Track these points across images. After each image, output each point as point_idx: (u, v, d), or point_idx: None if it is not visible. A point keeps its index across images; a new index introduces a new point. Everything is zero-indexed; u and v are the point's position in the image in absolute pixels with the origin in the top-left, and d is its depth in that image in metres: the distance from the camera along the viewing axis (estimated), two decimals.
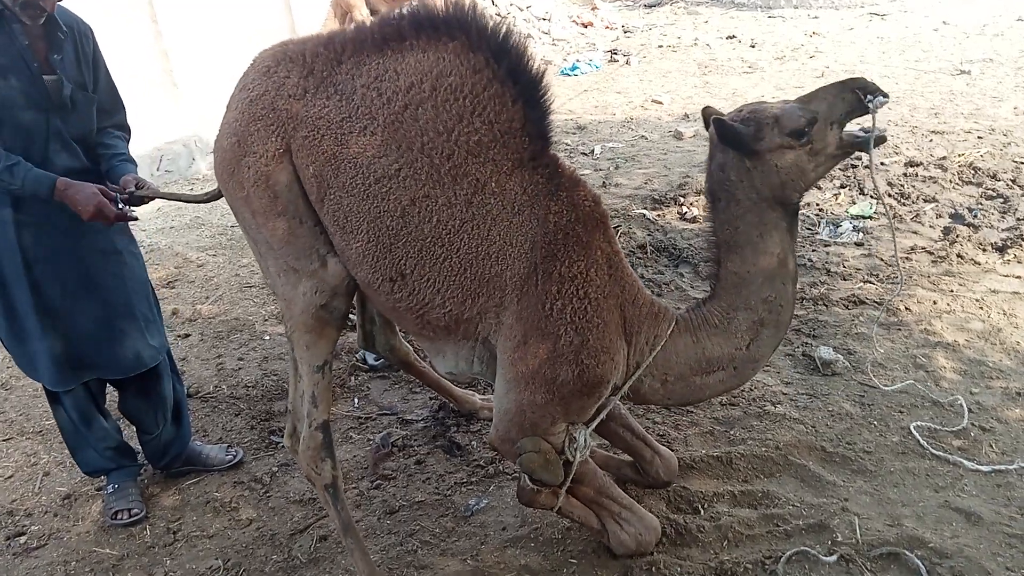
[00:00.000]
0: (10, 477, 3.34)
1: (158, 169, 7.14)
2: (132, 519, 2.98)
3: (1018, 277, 4.25)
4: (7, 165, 2.48)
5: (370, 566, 2.56)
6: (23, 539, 2.97)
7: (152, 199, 2.72)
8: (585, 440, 2.35)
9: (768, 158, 2.09)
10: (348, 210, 2.19)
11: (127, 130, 2.94)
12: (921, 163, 5.81)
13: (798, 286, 4.26)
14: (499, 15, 11.91)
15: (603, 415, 2.42)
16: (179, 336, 4.39)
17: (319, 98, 2.19)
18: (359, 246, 2.22)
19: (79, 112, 2.69)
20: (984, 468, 2.89)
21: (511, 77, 2.08)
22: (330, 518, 2.64)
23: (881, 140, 2.08)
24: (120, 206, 2.63)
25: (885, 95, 2.04)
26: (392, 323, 3.24)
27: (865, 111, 2.04)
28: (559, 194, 2.19)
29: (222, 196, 2.59)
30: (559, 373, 2.19)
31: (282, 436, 3.41)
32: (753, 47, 10.18)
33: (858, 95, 2.03)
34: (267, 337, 4.33)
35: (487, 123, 2.09)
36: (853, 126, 2.12)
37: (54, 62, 2.60)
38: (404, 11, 2.18)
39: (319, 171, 2.19)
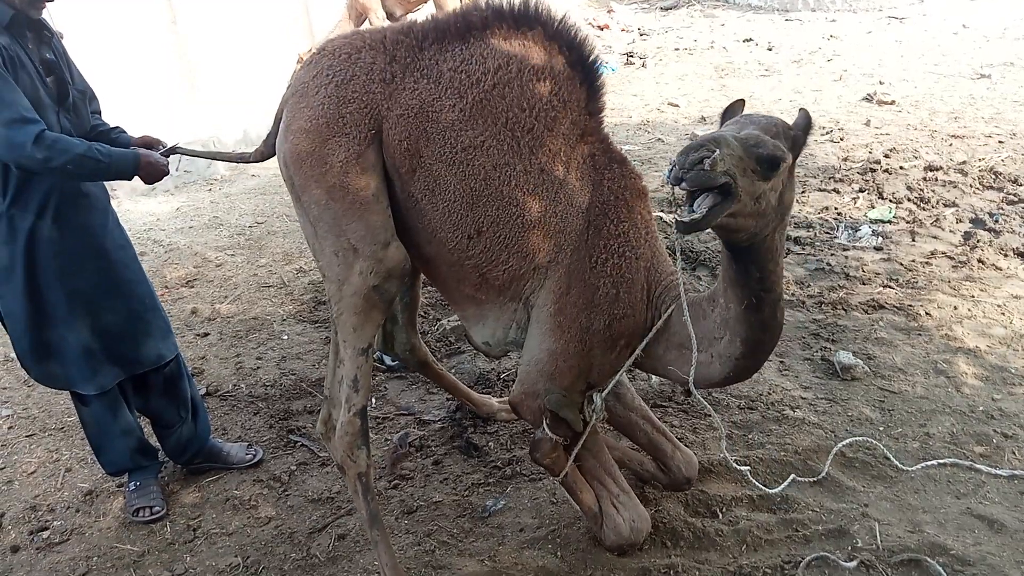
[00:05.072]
0: (33, 473, 3.38)
1: (176, 170, 7.19)
2: (153, 516, 3.01)
3: None
4: (89, 145, 2.52)
5: (393, 560, 2.58)
6: (46, 534, 3.01)
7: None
8: (601, 403, 2.53)
9: None
10: (438, 175, 2.41)
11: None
12: (941, 167, 5.76)
13: (818, 290, 4.29)
14: None
15: (618, 377, 2.55)
16: (198, 335, 4.43)
17: (408, 81, 2.39)
18: (445, 206, 2.44)
19: (79, 110, 2.73)
20: (1005, 474, 2.87)
21: (579, 63, 2.38)
22: (357, 509, 2.65)
23: (688, 226, 1.85)
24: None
25: (692, 167, 1.82)
26: (414, 323, 3.26)
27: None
28: (612, 165, 2.46)
29: (267, 159, 2.76)
30: (593, 322, 2.42)
31: (300, 435, 3.46)
32: (770, 50, 10.12)
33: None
34: (285, 337, 4.35)
35: (562, 101, 2.37)
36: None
37: (50, 62, 2.61)
38: (483, 4, 2.43)
39: (412, 145, 2.39)
